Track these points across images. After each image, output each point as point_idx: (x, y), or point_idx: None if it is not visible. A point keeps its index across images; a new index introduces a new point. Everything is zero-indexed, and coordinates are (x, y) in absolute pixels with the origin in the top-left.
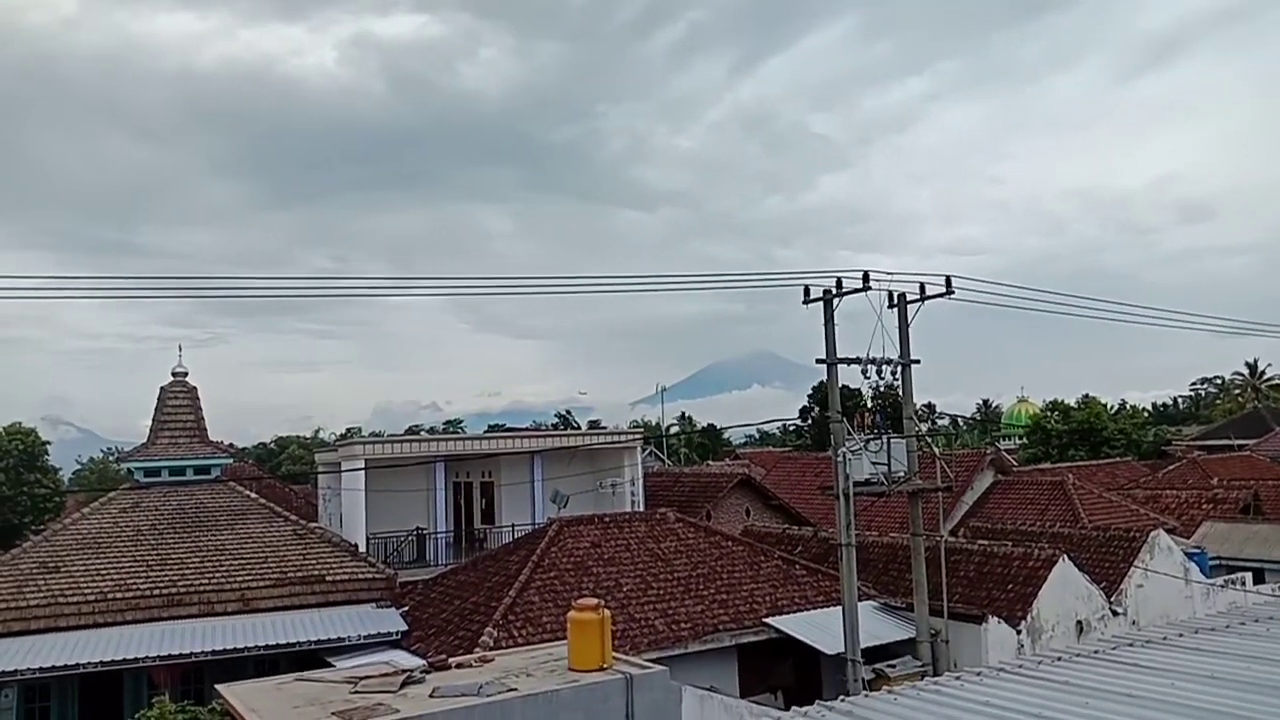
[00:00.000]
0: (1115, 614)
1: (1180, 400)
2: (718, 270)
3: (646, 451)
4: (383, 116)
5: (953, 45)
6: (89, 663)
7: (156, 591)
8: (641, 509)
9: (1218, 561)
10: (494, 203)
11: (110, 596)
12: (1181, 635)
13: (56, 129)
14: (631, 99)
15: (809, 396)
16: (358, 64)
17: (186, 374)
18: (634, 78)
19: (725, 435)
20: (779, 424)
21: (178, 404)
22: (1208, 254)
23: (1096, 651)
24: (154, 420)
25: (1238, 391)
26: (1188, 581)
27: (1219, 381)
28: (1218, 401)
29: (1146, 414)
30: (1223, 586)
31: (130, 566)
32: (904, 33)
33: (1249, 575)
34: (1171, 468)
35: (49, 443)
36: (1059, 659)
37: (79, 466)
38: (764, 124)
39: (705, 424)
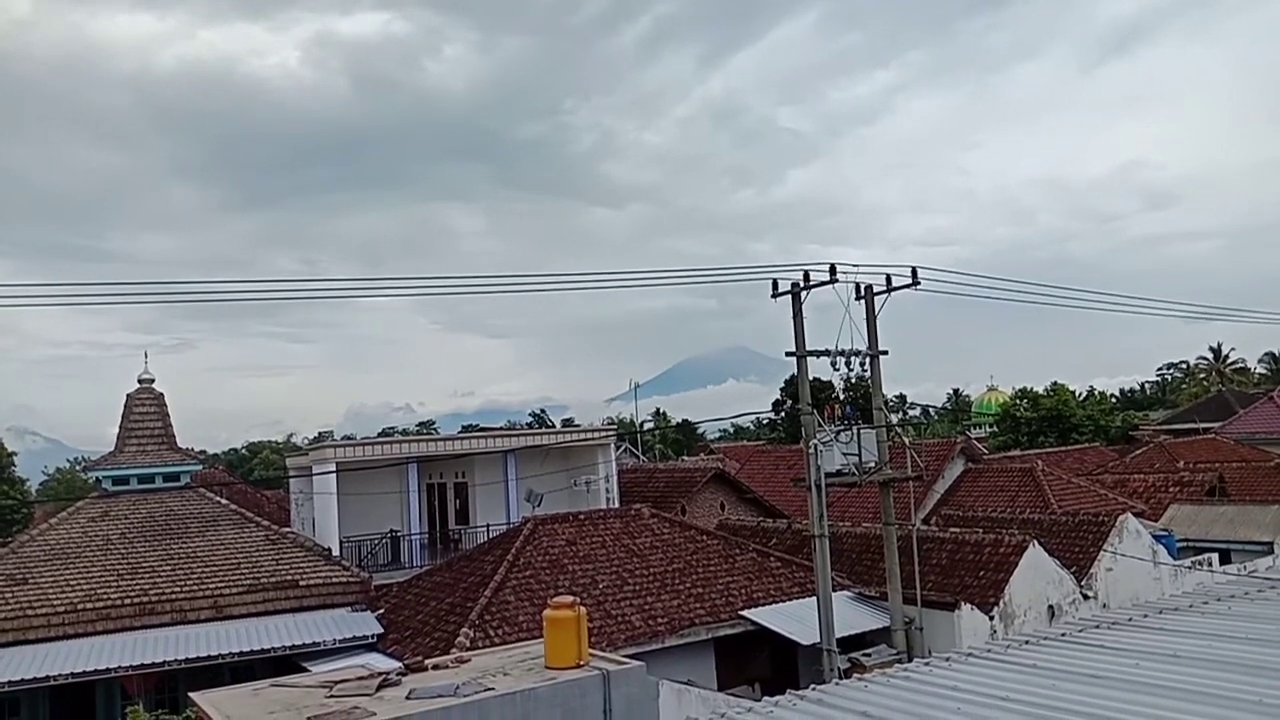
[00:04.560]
0: (1086, 597)
1: (1147, 385)
2: (688, 265)
3: (621, 448)
4: (348, 116)
5: (918, 36)
6: (59, 675)
7: (127, 601)
8: (616, 506)
9: (1185, 543)
10: (464, 200)
11: (80, 607)
12: (1147, 616)
13: (13, 133)
14: (600, 94)
15: (782, 390)
16: (320, 64)
17: (153, 380)
18: (602, 73)
19: (699, 430)
20: (753, 418)
21: (144, 411)
22: (1172, 240)
23: (1064, 634)
24: (121, 428)
25: (1203, 376)
26: (1156, 564)
27: (1184, 366)
28: (1183, 386)
29: (1114, 400)
30: (1190, 568)
31: (100, 576)
32: (869, 24)
33: (1215, 556)
34: (1139, 452)
35: (15, 453)
36: (1027, 642)
37: (46, 476)
38: (732, 118)
39: (679, 420)
